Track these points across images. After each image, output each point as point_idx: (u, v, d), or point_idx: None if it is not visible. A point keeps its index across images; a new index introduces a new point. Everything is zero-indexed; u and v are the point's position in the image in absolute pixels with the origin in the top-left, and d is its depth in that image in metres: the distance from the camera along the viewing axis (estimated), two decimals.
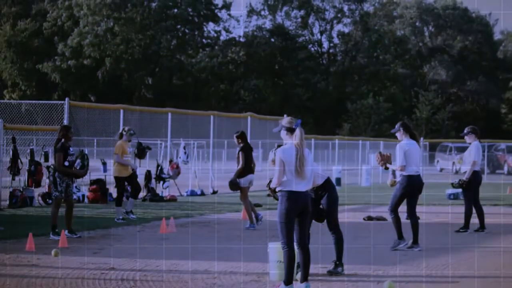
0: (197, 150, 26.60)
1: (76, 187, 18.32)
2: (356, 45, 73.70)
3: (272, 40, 73.53)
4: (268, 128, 26.41)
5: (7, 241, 11.59)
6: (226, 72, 71.24)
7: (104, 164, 20.92)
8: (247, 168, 13.92)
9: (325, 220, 9.26)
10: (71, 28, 68.19)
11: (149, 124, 24.64)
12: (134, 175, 15.46)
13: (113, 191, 17.84)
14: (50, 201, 16.47)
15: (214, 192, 23.29)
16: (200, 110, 34.51)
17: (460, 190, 14.84)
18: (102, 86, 68.30)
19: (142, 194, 19.11)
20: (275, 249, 8.69)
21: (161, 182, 21.25)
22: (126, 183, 15.69)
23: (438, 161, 47.53)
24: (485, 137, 35.06)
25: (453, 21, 74.84)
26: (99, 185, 19.27)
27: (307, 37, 75.97)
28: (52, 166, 15.43)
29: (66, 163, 12.29)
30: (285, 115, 16.14)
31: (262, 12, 75.26)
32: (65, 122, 17.25)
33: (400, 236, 11.34)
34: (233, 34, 74.86)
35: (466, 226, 13.63)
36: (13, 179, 17.32)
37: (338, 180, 28.22)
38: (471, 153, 13.64)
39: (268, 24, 74.79)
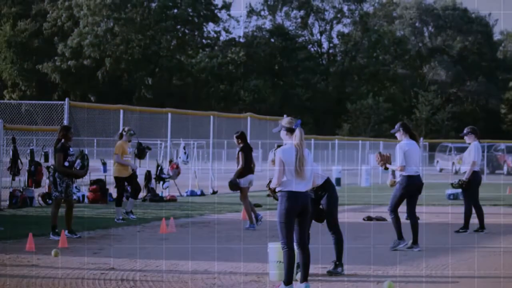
0: (197, 150, 26.61)
1: (76, 187, 18.33)
2: (355, 46, 73.72)
3: (272, 40, 73.55)
4: (268, 128, 26.42)
5: (7, 241, 11.59)
6: (226, 72, 71.27)
7: (104, 164, 20.93)
8: (247, 168, 13.93)
9: (325, 220, 9.26)
10: (71, 29, 68.24)
11: (149, 124, 24.64)
12: (134, 175, 15.47)
13: (113, 191, 17.85)
14: (50, 201, 16.47)
15: (214, 192, 23.30)
16: (200, 110, 34.53)
17: (459, 190, 14.84)
18: (102, 87, 68.33)
19: (142, 194, 19.12)
20: (275, 249, 8.70)
21: (161, 182, 21.25)
22: (126, 183, 15.69)
23: (437, 161, 47.55)
24: (484, 138, 35.06)
25: (452, 22, 74.87)
26: (99, 185, 19.27)
27: (306, 38, 76.01)
28: (52, 167, 15.43)
29: (66, 164, 12.29)
30: (284, 115, 16.15)
31: (262, 13, 75.35)
32: (65, 122, 17.25)
33: (400, 236, 11.35)
34: (233, 34, 75.04)
35: (465, 226, 13.64)
36: (13, 179, 17.32)
37: (338, 180, 28.23)
38: (471, 154, 13.64)
39: (268, 25, 74.90)
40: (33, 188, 17.69)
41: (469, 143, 13.87)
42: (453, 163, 39.30)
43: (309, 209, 8.06)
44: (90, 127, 21.97)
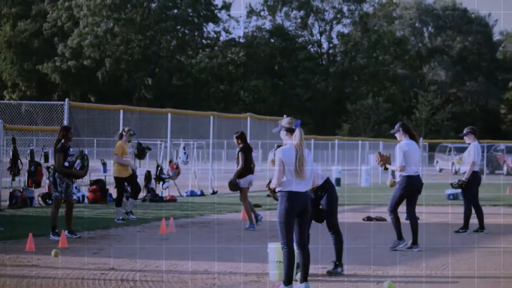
0: (196, 151, 26.63)
1: (76, 187, 18.33)
2: (355, 46, 73.72)
3: (272, 40, 73.55)
4: (268, 128, 26.43)
5: (7, 242, 11.60)
6: (226, 72, 71.27)
7: (104, 164, 20.94)
8: (247, 168, 13.93)
9: (325, 221, 9.27)
10: (71, 29, 68.24)
11: (149, 124, 24.65)
12: (134, 176, 15.48)
13: (113, 191, 17.85)
14: (50, 202, 16.47)
15: (214, 193, 23.30)
16: (199, 110, 34.54)
17: (459, 190, 14.85)
18: (102, 87, 68.33)
19: (142, 194, 19.12)
20: (275, 250, 8.70)
21: (161, 183, 21.26)
22: (126, 184, 15.70)
23: (437, 162, 47.56)
24: (484, 138, 35.08)
25: (452, 22, 74.88)
26: (99, 185, 19.27)
27: (306, 38, 76.01)
28: (52, 167, 15.44)
29: (66, 164, 12.29)
30: (284, 116, 16.17)
31: (262, 13, 75.34)
32: (65, 122, 17.25)
33: (400, 237, 11.36)
34: (232, 34, 75.04)
35: (465, 226, 13.64)
36: (13, 179, 17.32)
37: (338, 181, 28.23)
38: (470, 154, 13.65)
39: (267, 25, 74.89)
40: (33, 188, 17.69)
41: (469, 143, 13.88)
42: (452, 163, 39.32)
43: (309, 209, 8.07)
44: (90, 127, 21.98)
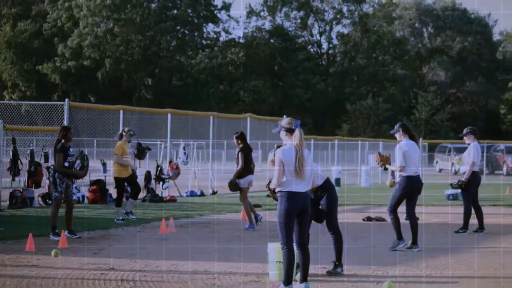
0: (196, 151, 26.62)
1: (76, 187, 18.34)
2: (355, 46, 73.72)
3: (272, 41, 73.55)
4: (268, 129, 26.44)
5: (7, 242, 11.60)
6: (226, 73, 71.27)
7: (104, 164, 20.94)
8: (247, 168, 13.94)
9: (325, 221, 9.27)
10: (71, 29, 68.24)
11: (149, 124, 24.66)
12: (134, 176, 15.48)
13: (113, 191, 17.86)
14: (50, 202, 16.48)
15: (214, 193, 23.31)
16: (199, 111, 34.54)
17: (459, 190, 14.86)
18: (102, 87, 68.33)
19: (141, 194, 19.13)
20: (275, 250, 8.71)
21: (161, 183, 21.27)
22: (126, 184, 15.71)
23: (437, 162, 47.57)
24: (484, 138, 35.07)
25: (452, 22, 74.87)
26: (99, 185, 19.28)
27: (306, 38, 76.01)
28: (52, 167, 15.44)
29: (66, 164, 12.30)
30: (284, 116, 16.17)
31: (262, 13, 75.30)
32: (65, 123, 17.26)
33: (400, 237, 11.36)
34: (232, 35, 75.13)
35: (465, 226, 13.65)
36: (13, 179, 17.33)
37: (338, 181, 28.25)
38: (470, 154, 13.66)
39: (267, 25, 74.87)
40: (33, 189, 17.70)
41: (469, 144, 13.88)
42: (452, 164, 39.33)
43: (309, 210, 8.08)
44: (90, 128, 21.99)
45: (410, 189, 11.45)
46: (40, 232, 12.38)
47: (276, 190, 7.97)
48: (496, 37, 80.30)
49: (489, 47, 76.16)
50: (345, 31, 75.12)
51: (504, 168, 42.41)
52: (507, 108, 74.77)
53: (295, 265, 8.13)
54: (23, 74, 69.26)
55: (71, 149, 12.48)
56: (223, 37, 73.48)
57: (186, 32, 72.58)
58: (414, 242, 11.35)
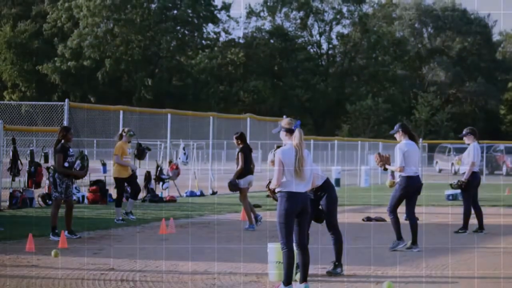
0: (196, 151, 26.64)
1: (76, 188, 18.34)
2: (355, 46, 73.74)
3: (272, 41, 73.58)
4: (268, 129, 26.45)
5: (7, 242, 11.60)
6: (226, 73, 71.30)
7: (104, 165, 20.94)
8: (247, 169, 13.95)
9: (324, 221, 9.28)
10: (71, 30, 68.26)
11: (149, 125, 24.68)
12: (133, 176, 15.48)
13: (112, 192, 17.86)
14: (50, 202, 16.48)
15: (214, 193, 23.32)
16: (199, 111, 34.54)
17: (459, 191, 14.86)
18: (102, 87, 68.36)
19: (141, 195, 19.13)
20: (275, 250, 8.71)
21: (161, 183, 21.27)
22: (125, 184, 15.71)
23: (437, 162, 47.59)
24: (483, 138, 35.11)
25: (452, 23, 74.88)
26: (99, 186, 19.28)
27: (306, 38, 76.03)
28: (52, 167, 15.45)
29: (66, 164, 12.30)
30: (284, 116, 16.18)
31: (262, 13, 75.33)
32: (65, 123, 17.27)
33: (399, 237, 11.37)
34: (232, 35, 75.05)
35: (465, 226, 13.66)
36: (13, 180, 17.33)
37: (338, 181, 28.25)
38: (470, 154, 13.66)
39: (267, 25, 74.88)
40: (33, 189, 17.70)
41: (468, 144, 13.89)
42: (452, 164, 39.34)
43: (309, 210, 8.08)
44: (90, 128, 22.00)
45: (410, 189, 11.46)
46: (40, 232, 12.38)
47: (276, 190, 7.97)
48: (495, 37, 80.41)
49: (488, 48, 76.19)
50: (345, 31, 75.21)
51: (504, 169, 42.43)
52: (507, 108, 74.80)
53: (295, 265, 8.13)
54: (23, 75, 69.28)
55: (71, 150, 12.48)
56: (223, 37, 73.60)
57: (186, 32, 72.61)
58: (414, 242, 11.35)
